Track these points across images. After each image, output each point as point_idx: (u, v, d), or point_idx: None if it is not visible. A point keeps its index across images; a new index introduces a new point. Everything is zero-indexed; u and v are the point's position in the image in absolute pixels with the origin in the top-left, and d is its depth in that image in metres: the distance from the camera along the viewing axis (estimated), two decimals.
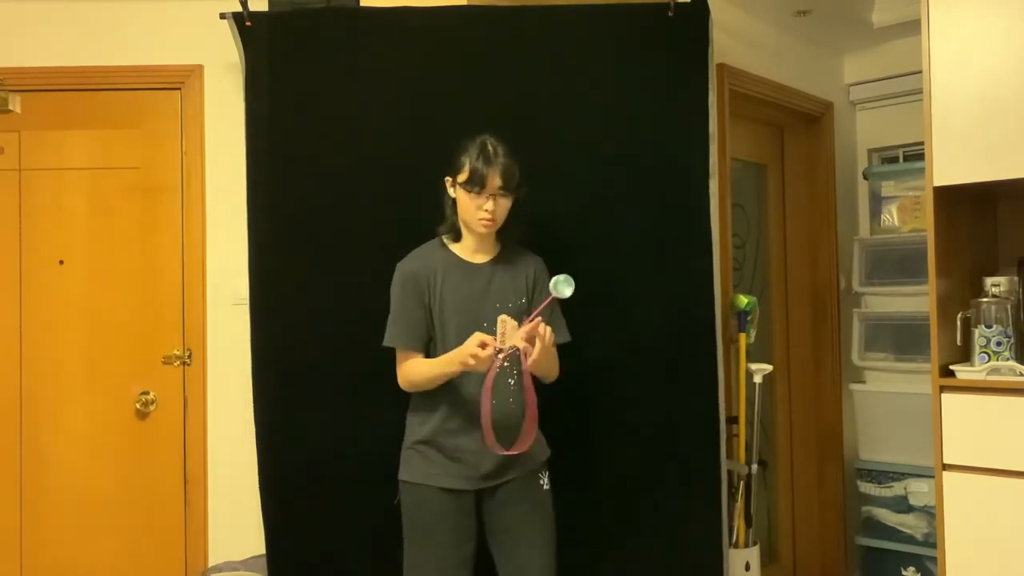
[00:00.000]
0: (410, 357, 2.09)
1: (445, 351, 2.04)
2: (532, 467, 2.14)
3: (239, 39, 2.45)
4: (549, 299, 1.98)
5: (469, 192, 2.05)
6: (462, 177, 2.06)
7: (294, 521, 2.37)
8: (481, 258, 2.14)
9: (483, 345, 1.91)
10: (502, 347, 1.92)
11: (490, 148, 2.05)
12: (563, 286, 1.97)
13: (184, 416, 2.73)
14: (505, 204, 2.08)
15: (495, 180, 2.03)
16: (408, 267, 2.13)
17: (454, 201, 2.12)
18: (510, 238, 2.18)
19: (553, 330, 2.12)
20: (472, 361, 1.91)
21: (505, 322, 1.93)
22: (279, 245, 2.40)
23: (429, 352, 2.10)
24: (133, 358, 2.74)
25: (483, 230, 2.08)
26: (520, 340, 1.92)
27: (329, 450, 2.35)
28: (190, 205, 2.73)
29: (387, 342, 2.11)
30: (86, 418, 2.73)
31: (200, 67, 2.73)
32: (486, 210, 2.04)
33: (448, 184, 2.12)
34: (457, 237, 2.15)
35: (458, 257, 2.13)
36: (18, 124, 2.72)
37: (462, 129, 2.12)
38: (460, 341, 2.01)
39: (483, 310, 2.08)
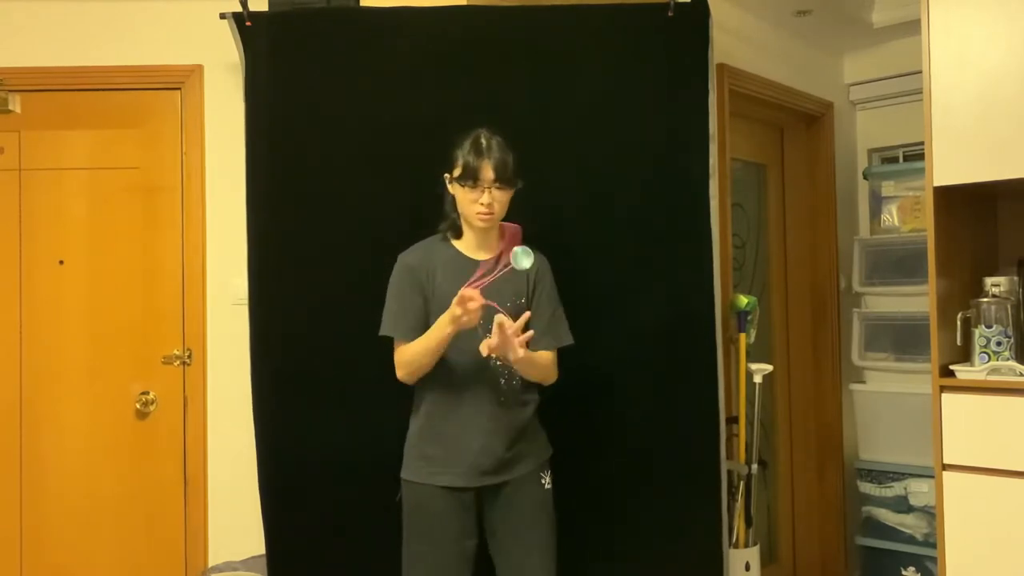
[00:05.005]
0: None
1: None
2: (533, 466, 2.14)
3: (239, 39, 2.45)
4: (505, 268, 1.97)
5: (463, 186, 2.04)
6: (456, 172, 2.06)
7: (294, 521, 2.37)
8: (483, 255, 2.12)
9: (468, 299, 1.90)
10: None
11: (483, 141, 2.04)
12: (522, 258, 1.93)
13: (184, 416, 2.73)
14: (502, 197, 2.06)
15: (488, 173, 2.02)
16: (408, 260, 2.12)
17: (453, 197, 2.11)
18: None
19: (553, 333, 2.12)
20: (459, 311, 1.90)
21: (501, 324, 1.93)
22: (279, 245, 2.40)
23: None
24: (133, 358, 2.74)
25: (482, 224, 2.07)
26: (520, 349, 1.92)
27: (329, 450, 2.35)
28: (190, 205, 2.73)
29: (384, 331, 2.09)
30: (86, 418, 2.73)
31: (200, 67, 2.73)
32: (482, 203, 2.03)
33: (446, 180, 2.12)
34: (458, 234, 2.15)
35: (459, 253, 2.13)
36: (18, 124, 2.72)
37: (462, 129, 2.11)
38: (456, 338, 2.01)
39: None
